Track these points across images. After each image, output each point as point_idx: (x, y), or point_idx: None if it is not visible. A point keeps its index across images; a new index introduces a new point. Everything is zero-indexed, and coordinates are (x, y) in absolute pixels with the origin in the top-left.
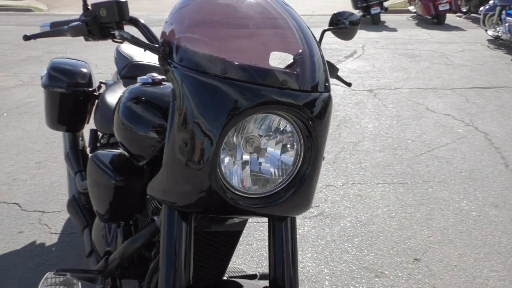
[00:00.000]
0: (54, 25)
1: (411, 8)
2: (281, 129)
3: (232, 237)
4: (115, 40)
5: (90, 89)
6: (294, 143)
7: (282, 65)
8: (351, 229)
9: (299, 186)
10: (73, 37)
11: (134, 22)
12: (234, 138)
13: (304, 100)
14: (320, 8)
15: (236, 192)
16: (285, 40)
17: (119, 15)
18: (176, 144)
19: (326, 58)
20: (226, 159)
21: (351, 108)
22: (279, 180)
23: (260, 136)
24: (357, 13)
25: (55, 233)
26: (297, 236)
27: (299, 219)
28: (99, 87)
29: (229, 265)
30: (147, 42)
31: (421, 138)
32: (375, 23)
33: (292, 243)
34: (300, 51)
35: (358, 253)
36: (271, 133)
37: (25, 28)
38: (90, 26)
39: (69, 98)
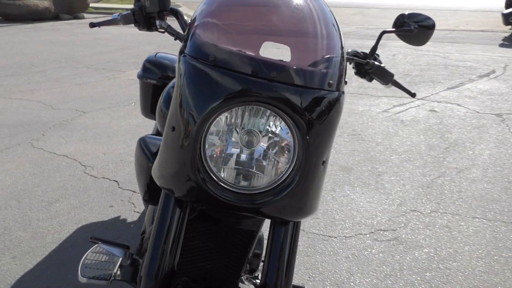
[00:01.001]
0: (120, 15)
1: None
2: (276, 126)
3: (247, 236)
4: (158, 30)
5: None
6: (290, 143)
7: (277, 56)
8: (425, 261)
9: (286, 189)
10: (124, 25)
11: (175, 13)
12: (226, 127)
13: (297, 96)
14: (466, 23)
15: (221, 183)
16: (290, 33)
17: (160, 6)
18: (167, 130)
19: (453, 75)
20: (213, 149)
21: (468, 132)
22: (266, 179)
23: (260, 132)
24: (509, 29)
25: (138, 212)
26: (361, 257)
27: (369, 240)
28: None
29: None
30: (180, 33)
31: None
32: None
33: (290, 250)
34: (306, 44)
35: None
36: (268, 128)
37: None
38: (137, 16)
39: (160, 89)
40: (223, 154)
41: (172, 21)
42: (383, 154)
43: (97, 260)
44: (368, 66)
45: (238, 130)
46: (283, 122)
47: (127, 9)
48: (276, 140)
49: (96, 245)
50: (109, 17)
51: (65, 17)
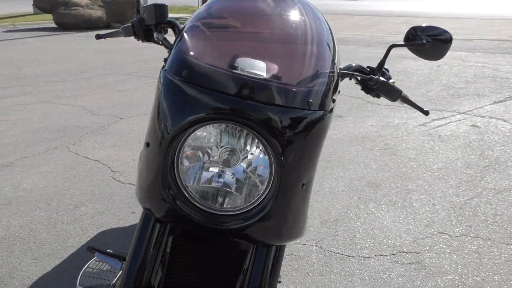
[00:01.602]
0: (122, 27)
1: None
2: (251, 146)
3: (238, 257)
4: (156, 42)
5: None
6: (266, 165)
7: (254, 73)
8: None
9: (259, 213)
10: (125, 37)
11: (172, 25)
12: (202, 145)
13: (272, 116)
14: None
15: (194, 202)
16: (273, 48)
17: (157, 18)
18: (143, 146)
19: (501, 89)
20: (187, 166)
21: None
22: (239, 201)
23: (240, 151)
24: None
25: None
26: (379, 279)
27: (389, 261)
28: None
29: None
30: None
31: None
32: None
33: (271, 274)
34: (289, 60)
35: None
36: (244, 148)
37: None
38: (136, 28)
39: None
40: (197, 172)
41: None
42: (415, 171)
43: (98, 270)
44: (372, 82)
45: (216, 147)
46: (259, 142)
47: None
48: (251, 161)
49: (95, 256)
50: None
51: (116, 26)
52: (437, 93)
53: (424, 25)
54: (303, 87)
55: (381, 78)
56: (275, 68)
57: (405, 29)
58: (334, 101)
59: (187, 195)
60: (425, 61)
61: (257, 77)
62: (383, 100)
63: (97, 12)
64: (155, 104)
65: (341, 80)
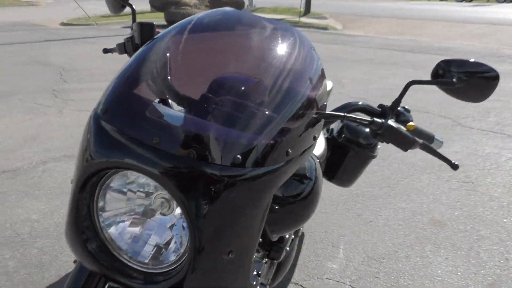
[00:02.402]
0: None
1: None
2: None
3: None
4: None
5: None
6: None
7: (171, 119)
8: None
9: (165, 281)
10: (120, 54)
11: None
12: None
13: (185, 172)
14: None
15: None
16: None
17: (142, 38)
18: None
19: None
20: (107, 215)
21: None
22: (146, 261)
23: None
24: None
25: None
26: None
27: None
28: None
29: None
30: None
31: None
32: None
33: None
34: (220, 102)
35: None
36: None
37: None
38: (127, 46)
39: None
40: (115, 218)
41: None
42: (494, 214)
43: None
44: (375, 126)
45: (142, 193)
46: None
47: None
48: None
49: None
50: None
51: None
52: None
53: (472, 60)
54: (231, 139)
55: (389, 122)
56: (206, 111)
57: None
58: (288, 153)
59: (100, 239)
60: None
61: (174, 123)
62: (476, 123)
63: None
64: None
65: (331, 124)
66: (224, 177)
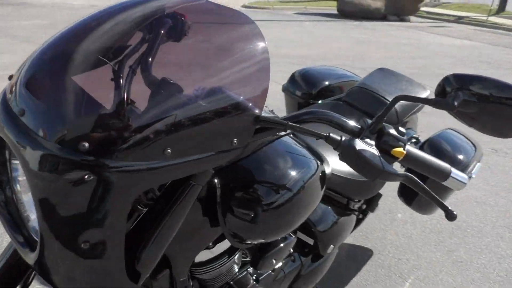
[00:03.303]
0: None
1: None
2: None
3: None
4: None
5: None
6: None
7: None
8: None
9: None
10: None
11: None
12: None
13: (37, 149)
14: None
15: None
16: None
17: None
18: None
19: None
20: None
21: None
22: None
23: None
24: None
25: None
26: None
27: None
28: None
29: None
30: None
31: None
32: None
33: None
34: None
35: None
36: None
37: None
38: None
39: (302, 106)
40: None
41: None
42: None
43: None
44: (330, 143)
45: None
46: None
47: (454, 16)
48: None
49: None
50: (436, 23)
51: (392, 18)
52: None
53: (481, 75)
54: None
55: (355, 140)
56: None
57: None
58: (168, 153)
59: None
60: None
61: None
62: None
63: (377, 3)
64: None
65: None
66: (75, 162)
